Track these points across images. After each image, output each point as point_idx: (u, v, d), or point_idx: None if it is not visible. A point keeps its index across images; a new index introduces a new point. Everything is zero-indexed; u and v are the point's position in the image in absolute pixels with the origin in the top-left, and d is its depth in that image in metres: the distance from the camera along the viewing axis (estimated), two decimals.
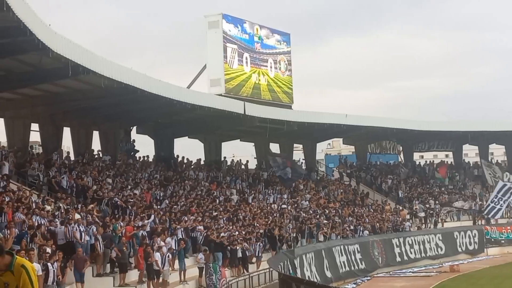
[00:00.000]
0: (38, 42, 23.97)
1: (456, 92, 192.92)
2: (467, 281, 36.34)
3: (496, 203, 51.24)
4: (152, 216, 29.06)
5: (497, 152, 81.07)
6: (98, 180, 31.54)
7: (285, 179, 47.00)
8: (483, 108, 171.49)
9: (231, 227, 33.74)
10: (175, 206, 33.58)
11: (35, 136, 37.25)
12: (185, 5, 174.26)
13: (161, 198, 34.40)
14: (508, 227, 52.50)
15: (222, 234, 31.58)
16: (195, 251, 31.25)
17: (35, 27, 23.37)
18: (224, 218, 35.14)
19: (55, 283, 19.33)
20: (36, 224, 21.76)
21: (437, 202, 52.63)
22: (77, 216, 24.44)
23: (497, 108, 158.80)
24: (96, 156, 37.17)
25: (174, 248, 27.53)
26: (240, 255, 31.86)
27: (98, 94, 32.91)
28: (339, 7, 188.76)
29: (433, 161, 66.25)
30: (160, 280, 25.16)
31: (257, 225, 36.36)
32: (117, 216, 27.35)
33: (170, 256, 26.21)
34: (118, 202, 29.42)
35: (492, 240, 51.06)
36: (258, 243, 34.04)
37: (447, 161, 65.90)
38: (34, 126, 36.02)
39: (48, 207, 24.61)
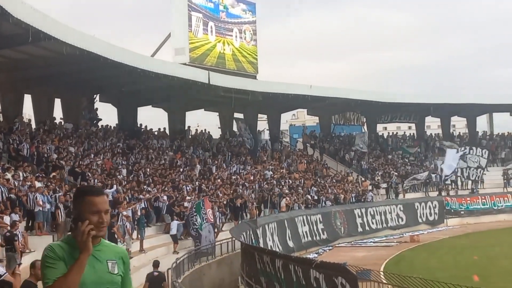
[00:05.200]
0: None
1: (425, 65, 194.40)
2: (427, 251, 36.90)
3: (455, 172, 52.39)
4: (115, 186, 28.93)
5: (459, 124, 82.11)
6: (59, 148, 31.20)
7: (250, 149, 47.11)
8: (450, 81, 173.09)
9: (194, 197, 33.70)
10: (138, 176, 33.42)
11: None
12: None
13: (123, 167, 34.18)
14: (468, 199, 53.35)
15: (185, 204, 31.56)
16: (159, 221, 31.29)
17: None
18: (188, 188, 35.10)
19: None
20: None
21: (396, 174, 53.15)
22: (37, 184, 24.22)
23: (465, 81, 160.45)
24: (57, 124, 36.72)
25: (137, 216, 27.51)
26: None
27: (60, 61, 32.38)
28: None
29: (396, 133, 66.82)
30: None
31: (220, 195, 36.38)
32: (78, 184, 27.13)
33: (128, 225, 26.08)
34: (80, 171, 29.17)
35: (452, 211, 51.85)
36: (219, 212, 33.98)
37: (411, 133, 66.43)
38: None
39: (8, 175, 24.32)
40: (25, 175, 25.14)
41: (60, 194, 24.37)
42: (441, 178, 53.36)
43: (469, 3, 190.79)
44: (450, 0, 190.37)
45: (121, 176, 32.13)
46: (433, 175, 54.43)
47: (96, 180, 28.92)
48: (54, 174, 27.22)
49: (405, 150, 60.47)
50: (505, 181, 56.61)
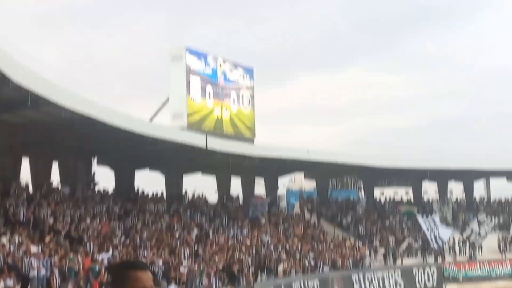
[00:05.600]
0: None
1: (421, 129, 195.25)
2: None
3: (433, 235, 51.59)
4: (111, 250, 28.71)
5: (456, 189, 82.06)
6: (56, 212, 31.07)
7: (252, 216, 47.09)
8: (447, 145, 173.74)
9: (191, 262, 33.42)
10: (134, 240, 33.18)
11: None
12: (151, 39, 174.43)
13: (120, 231, 33.98)
14: (466, 265, 52.91)
15: (181, 269, 31.26)
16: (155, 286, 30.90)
17: None
18: (184, 252, 34.81)
19: None
20: None
21: (394, 239, 52.82)
22: (33, 248, 24.05)
23: (461, 145, 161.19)
24: (54, 188, 36.67)
25: None
26: None
27: (59, 125, 32.53)
28: (305, 44, 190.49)
29: (394, 198, 66.66)
30: None
31: (217, 260, 36.07)
32: (74, 249, 26.93)
33: None
34: (76, 235, 29.01)
35: (451, 277, 51.33)
36: (216, 278, 33.65)
37: (406, 198, 66.29)
38: None
39: (4, 240, 24.17)
40: (20, 240, 24.97)
41: (55, 258, 24.16)
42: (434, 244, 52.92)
43: (460, 68, 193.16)
44: (444, 65, 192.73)
45: (117, 240, 31.91)
46: (431, 240, 54.05)
47: (92, 244, 28.74)
48: (49, 238, 27.03)
49: (411, 213, 59.86)
50: (503, 247, 56.24)
